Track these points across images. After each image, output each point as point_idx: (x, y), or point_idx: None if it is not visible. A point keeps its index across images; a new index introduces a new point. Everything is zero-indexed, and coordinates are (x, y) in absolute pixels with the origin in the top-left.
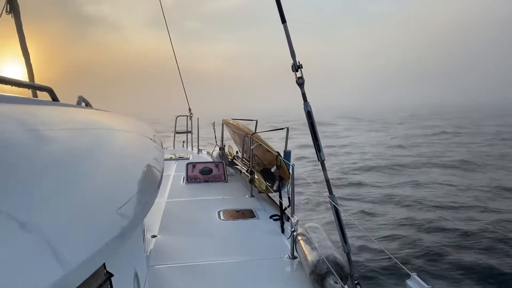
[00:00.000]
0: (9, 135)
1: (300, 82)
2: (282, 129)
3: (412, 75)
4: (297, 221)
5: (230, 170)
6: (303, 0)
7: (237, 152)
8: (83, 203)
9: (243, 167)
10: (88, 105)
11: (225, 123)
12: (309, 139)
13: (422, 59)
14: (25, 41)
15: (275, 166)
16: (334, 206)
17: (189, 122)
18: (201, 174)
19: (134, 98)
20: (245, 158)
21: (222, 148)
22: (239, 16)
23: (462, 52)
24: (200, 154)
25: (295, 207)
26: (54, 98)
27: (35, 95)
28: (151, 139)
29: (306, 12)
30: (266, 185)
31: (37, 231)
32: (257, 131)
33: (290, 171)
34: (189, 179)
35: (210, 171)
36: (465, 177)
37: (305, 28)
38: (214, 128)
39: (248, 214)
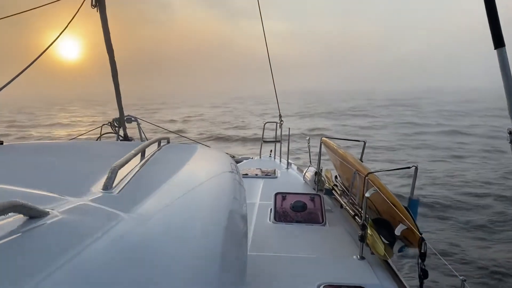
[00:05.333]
0: None
1: None
2: (409, 167)
3: None
4: None
5: (327, 201)
6: None
7: (336, 177)
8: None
9: (347, 206)
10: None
11: (324, 143)
12: None
13: None
14: (109, 36)
15: (400, 225)
16: None
17: (279, 130)
18: (293, 211)
19: (189, 79)
20: (352, 197)
21: (318, 173)
22: None
23: None
24: (289, 169)
25: None
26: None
27: None
28: (236, 179)
29: None
30: (384, 249)
31: None
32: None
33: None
34: (278, 217)
35: (304, 207)
36: None
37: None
38: (308, 145)
39: None
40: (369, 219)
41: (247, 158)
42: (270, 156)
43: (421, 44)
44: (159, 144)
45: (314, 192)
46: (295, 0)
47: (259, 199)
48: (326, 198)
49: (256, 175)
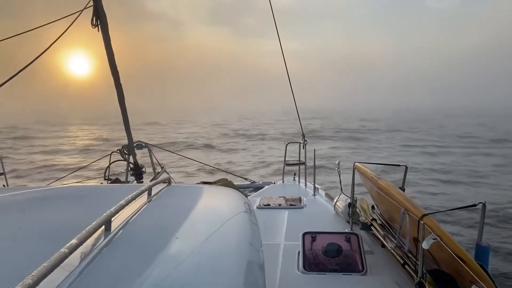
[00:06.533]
0: None
1: None
2: (474, 205)
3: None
4: None
5: (365, 238)
6: None
7: (372, 207)
8: None
9: (393, 250)
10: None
11: (358, 169)
12: None
13: None
14: (113, 57)
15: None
16: None
17: (302, 151)
18: (326, 256)
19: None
20: (400, 240)
21: (352, 204)
22: (295, 12)
23: None
24: (317, 196)
25: None
26: None
27: None
28: (250, 220)
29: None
30: None
31: None
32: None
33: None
34: (308, 265)
35: (339, 251)
36: None
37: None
38: (338, 170)
39: None
40: (426, 274)
41: (268, 183)
42: (294, 180)
43: (429, 62)
44: (149, 194)
45: (347, 226)
46: (304, 20)
47: (284, 238)
48: (363, 234)
49: (280, 205)
